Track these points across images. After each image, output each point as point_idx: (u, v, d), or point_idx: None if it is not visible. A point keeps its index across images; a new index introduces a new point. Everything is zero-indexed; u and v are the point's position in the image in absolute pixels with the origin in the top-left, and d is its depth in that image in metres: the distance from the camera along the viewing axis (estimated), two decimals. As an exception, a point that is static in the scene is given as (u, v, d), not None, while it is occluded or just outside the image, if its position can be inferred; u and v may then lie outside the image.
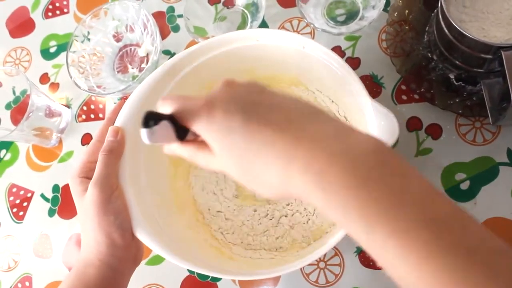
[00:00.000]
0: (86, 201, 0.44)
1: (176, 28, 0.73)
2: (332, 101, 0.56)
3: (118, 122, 0.49)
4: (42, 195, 0.70)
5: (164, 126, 0.33)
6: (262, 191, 0.33)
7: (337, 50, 0.64)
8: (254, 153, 0.31)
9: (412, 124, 0.58)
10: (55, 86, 0.76)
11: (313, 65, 0.50)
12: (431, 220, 0.26)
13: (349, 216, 0.27)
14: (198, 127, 0.33)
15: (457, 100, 0.55)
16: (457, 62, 0.54)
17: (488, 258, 0.24)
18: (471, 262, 0.24)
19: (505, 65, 0.47)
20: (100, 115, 0.72)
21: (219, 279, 0.58)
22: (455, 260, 0.24)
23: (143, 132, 0.32)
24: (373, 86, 0.61)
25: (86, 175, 0.46)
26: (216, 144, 0.33)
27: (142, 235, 0.45)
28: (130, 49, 0.73)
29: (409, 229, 0.25)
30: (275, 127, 0.31)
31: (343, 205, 0.27)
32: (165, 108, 0.35)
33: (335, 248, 0.56)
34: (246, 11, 0.69)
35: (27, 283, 0.66)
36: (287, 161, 0.29)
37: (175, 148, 0.37)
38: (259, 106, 0.32)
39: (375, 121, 0.43)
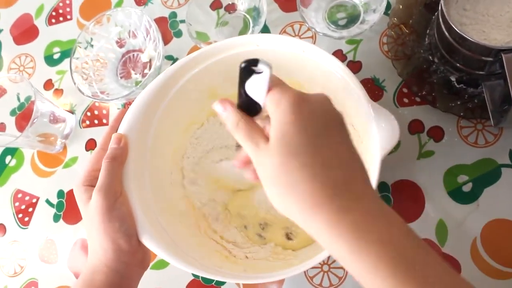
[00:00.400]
0: (90, 208, 0.44)
1: (179, 34, 0.73)
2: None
3: (121, 129, 0.49)
4: (47, 201, 0.71)
5: (265, 74, 0.33)
6: (279, 201, 0.33)
7: (339, 54, 0.64)
8: (306, 160, 0.31)
9: (414, 127, 0.58)
10: (59, 92, 0.77)
11: (314, 69, 0.50)
12: None
13: (378, 271, 0.29)
14: (282, 104, 0.32)
15: (458, 103, 0.55)
16: (458, 64, 0.54)
17: None
18: None
19: (505, 68, 0.47)
20: (104, 121, 0.72)
21: (223, 283, 0.59)
22: None
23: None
24: (374, 89, 0.61)
25: (91, 183, 0.47)
26: (281, 130, 0.32)
27: (147, 241, 0.45)
28: (133, 54, 0.74)
29: None
30: (338, 160, 0.32)
31: (374, 259, 0.29)
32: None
33: (338, 251, 0.56)
34: (247, 16, 0.70)
35: (33, 288, 0.67)
36: (329, 194, 0.31)
37: (231, 114, 0.36)
38: (337, 132, 0.33)
39: (376, 123, 0.43)
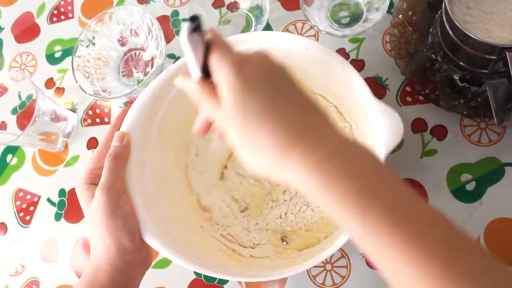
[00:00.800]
0: (93, 207, 0.44)
1: (181, 32, 0.73)
2: (336, 105, 0.56)
3: (124, 127, 0.49)
4: (49, 200, 0.71)
5: (199, 39, 0.34)
6: (251, 161, 0.34)
7: (341, 52, 0.64)
8: (262, 119, 0.33)
9: (417, 126, 0.58)
10: (60, 90, 0.77)
11: (317, 66, 0.50)
12: (416, 221, 0.29)
13: (346, 202, 0.30)
14: (224, 70, 0.34)
15: (461, 101, 0.55)
16: (461, 63, 0.54)
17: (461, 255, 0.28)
18: (452, 258, 0.27)
19: (509, 66, 0.46)
20: (106, 119, 0.72)
21: (226, 281, 0.59)
22: (434, 253, 0.28)
23: (187, 25, 0.33)
24: (377, 87, 0.61)
25: (93, 182, 0.46)
26: (230, 96, 0.33)
27: (150, 239, 0.45)
28: (135, 53, 0.74)
29: (400, 220, 0.29)
30: (293, 109, 0.33)
31: (341, 192, 0.30)
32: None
33: (341, 250, 0.56)
34: (250, 14, 0.69)
35: (34, 287, 0.67)
36: (291, 142, 0.32)
37: (188, 83, 0.38)
38: (285, 84, 0.35)
39: (380, 120, 0.43)
